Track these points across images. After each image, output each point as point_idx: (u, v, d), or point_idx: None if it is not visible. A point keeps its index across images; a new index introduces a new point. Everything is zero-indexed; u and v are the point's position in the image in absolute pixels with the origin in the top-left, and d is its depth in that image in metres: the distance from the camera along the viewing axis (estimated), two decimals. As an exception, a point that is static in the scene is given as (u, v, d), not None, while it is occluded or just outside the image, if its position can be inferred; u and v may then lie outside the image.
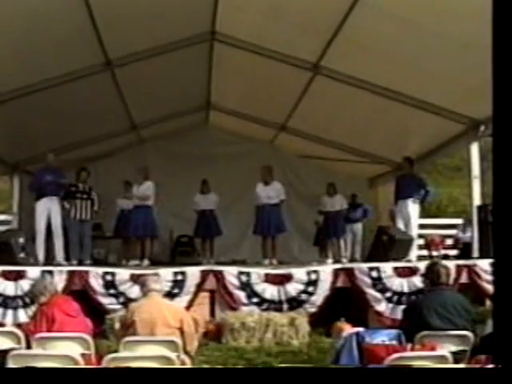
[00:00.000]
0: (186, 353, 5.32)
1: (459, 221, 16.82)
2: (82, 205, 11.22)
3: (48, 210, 10.59)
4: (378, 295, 9.17)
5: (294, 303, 9.09)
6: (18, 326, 7.56)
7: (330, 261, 11.79)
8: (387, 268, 9.30)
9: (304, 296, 9.14)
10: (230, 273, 9.23)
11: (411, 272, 9.19)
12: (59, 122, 11.55)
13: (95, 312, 7.82)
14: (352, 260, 12.80)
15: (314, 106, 12.36)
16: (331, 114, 12.64)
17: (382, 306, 9.13)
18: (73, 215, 11.14)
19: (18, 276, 8.94)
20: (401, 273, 9.25)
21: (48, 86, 10.10)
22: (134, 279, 8.91)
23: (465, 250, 14.72)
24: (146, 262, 10.90)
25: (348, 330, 5.67)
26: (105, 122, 12.77)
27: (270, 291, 9.12)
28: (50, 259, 10.69)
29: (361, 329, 5.52)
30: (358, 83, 10.61)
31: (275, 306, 9.05)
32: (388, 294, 9.15)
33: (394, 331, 5.37)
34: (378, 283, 9.20)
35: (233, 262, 11.74)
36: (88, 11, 8.62)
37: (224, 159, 14.90)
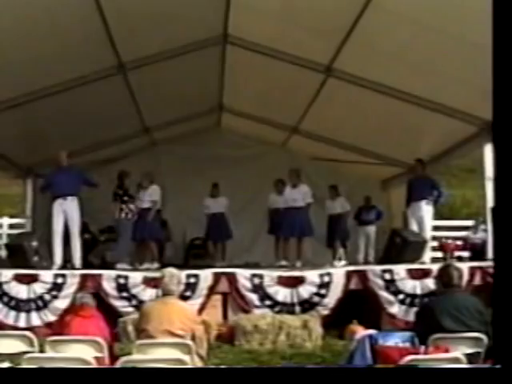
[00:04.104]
0: (198, 355, 5.32)
1: (473, 222, 16.74)
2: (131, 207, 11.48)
3: (64, 211, 10.33)
4: (391, 297, 9.14)
5: (307, 305, 9.08)
6: (31, 329, 7.61)
7: (338, 263, 11.70)
8: (400, 270, 9.27)
9: (317, 298, 9.13)
10: (243, 275, 9.23)
11: (424, 274, 9.15)
12: (72, 125, 11.57)
13: (108, 315, 7.82)
14: (365, 262, 12.76)
15: (326, 108, 12.34)
16: (344, 116, 12.60)
17: (395, 308, 9.10)
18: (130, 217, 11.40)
19: (31, 279, 8.99)
20: (414, 275, 9.22)
21: (61, 90, 10.14)
22: (147, 282, 8.95)
23: (474, 251, 14.66)
24: (155, 264, 10.92)
25: (361, 332, 5.64)
26: (118, 125, 12.80)
27: (282, 294, 9.12)
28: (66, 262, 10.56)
29: (374, 331, 5.49)
30: (371, 85, 10.58)
31: (288, 308, 9.04)
32: (401, 296, 9.13)
33: (407, 333, 5.33)
34: (390, 285, 9.17)
35: (245, 265, 11.72)
36: (100, 14, 8.64)
37: (236, 162, 14.85)
